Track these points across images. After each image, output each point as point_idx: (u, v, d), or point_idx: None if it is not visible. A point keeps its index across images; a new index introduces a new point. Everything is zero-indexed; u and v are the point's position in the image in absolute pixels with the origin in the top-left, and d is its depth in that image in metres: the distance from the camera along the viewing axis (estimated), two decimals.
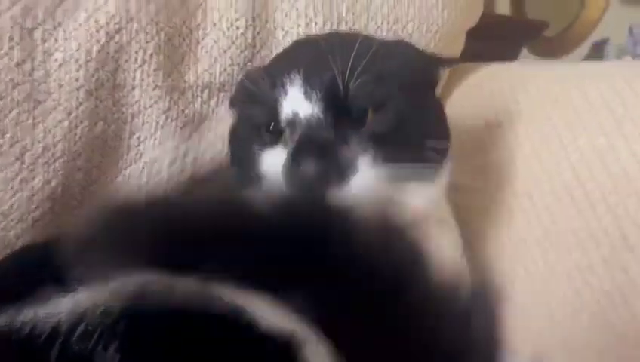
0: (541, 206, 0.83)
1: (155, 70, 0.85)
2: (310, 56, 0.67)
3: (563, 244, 0.78)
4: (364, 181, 0.62)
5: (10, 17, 0.76)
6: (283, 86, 0.65)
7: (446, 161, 0.70)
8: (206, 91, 0.90)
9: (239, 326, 0.45)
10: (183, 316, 0.46)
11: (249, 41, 0.91)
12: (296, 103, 0.64)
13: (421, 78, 0.71)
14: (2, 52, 0.76)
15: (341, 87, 0.63)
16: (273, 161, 0.65)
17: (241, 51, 0.91)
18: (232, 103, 0.82)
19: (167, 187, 0.90)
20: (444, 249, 0.74)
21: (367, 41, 0.68)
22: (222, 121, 0.91)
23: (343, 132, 0.63)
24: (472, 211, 0.85)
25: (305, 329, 0.46)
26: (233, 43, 0.90)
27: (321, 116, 0.63)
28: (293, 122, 0.65)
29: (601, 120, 0.80)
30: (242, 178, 0.70)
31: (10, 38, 0.76)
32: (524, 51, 2.11)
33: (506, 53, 1.89)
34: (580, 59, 2.23)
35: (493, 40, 1.61)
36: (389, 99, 0.65)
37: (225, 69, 0.90)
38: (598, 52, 2.35)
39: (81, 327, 0.44)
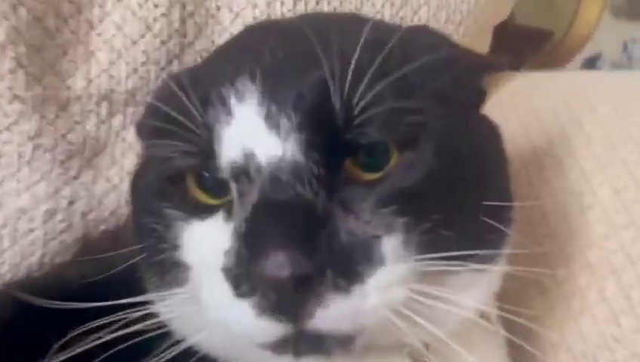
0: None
1: (11, 71, 0.54)
2: (277, 51, 0.42)
3: None
4: (391, 283, 0.38)
5: None
6: (224, 103, 0.41)
7: (509, 237, 0.45)
8: (104, 104, 0.60)
9: None
10: None
11: (176, 26, 0.61)
12: (251, 135, 0.40)
13: (466, 90, 0.46)
14: None
15: (338, 104, 0.39)
16: (206, 241, 0.41)
17: (163, 42, 0.61)
18: (141, 130, 0.52)
19: (43, 254, 0.58)
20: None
21: (379, 26, 0.44)
22: (131, 148, 0.62)
23: (342, 190, 0.39)
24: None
25: None
26: (149, 29, 0.60)
27: (300, 160, 0.39)
28: (243, 170, 0.40)
29: None
30: (153, 267, 0.45)
31: None
32: None
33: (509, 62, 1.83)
34: None
35: (494, 49, 1.45)
36: (425, 129, 0.40)
37: (135, 70, 0.61)
38: (590, 67, 2.22)
39: None
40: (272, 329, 0.37)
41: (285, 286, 0.35)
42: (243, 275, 0.37)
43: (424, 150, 0.40)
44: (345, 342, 0.38)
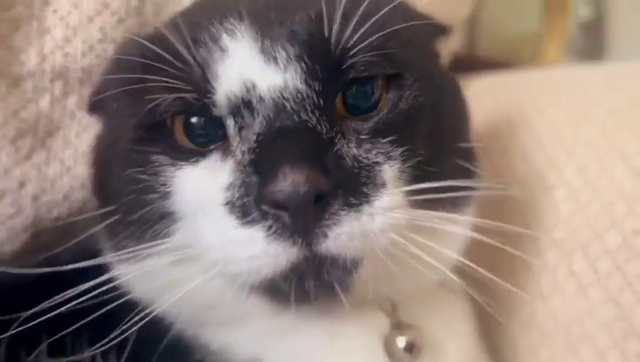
0: (608, 267, 0.53)
1: None
2: None
3: None
4: (393, 206, 0.41)
5: None
6: (215, 41, 0.43)
7: (477, 175, 0.49)
8: (58, 83, 0.59)
9: None
10: None
11: (134, 4, 0.61)
12: (249, 68, 0.42)
13: (428, 44, 0.52)
14: None
15: (333, 37, 0.42)
16: (200, 184, 0.43)
17: (120, 21, 0.60)
18: (96, 105, 0.52)
19: None
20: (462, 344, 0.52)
21: None
22: (86, 130, 0.60)
23: (340, 118, 0.43)
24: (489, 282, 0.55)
25: None
26: (106, 7, 0.59)
27: (303, 88, 0.41)
28: (243, 102, 0.41)
29: None
30: (127, 225, 0.45)
31: None
32: None
33: None
34: None
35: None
36: (409, 64, 0.45)
37: (92, 48, 0.59)
38: None
39: None
40: (284, 253, 0.38)
41: (303, 204, 0.36)
42: (251, 203, 0.38)
43: (410, 86, 0.43)
44: (348, 271, 0.40)
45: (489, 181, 0.48)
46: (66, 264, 0.43)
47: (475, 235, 0.46)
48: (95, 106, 0.52)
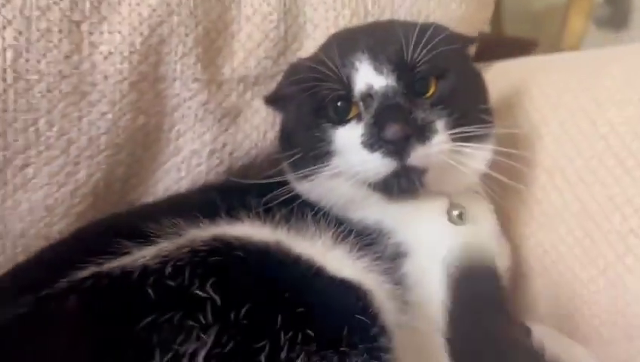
0: (576, 179, 0.85)
1: (194, 63, 0.88)
2: (370, 37, 0.75)
3: (601, 211, 0.80)
4: (443, 141, 0.69)
5: (60, 10, 0.78)
6: (353, 64, 0.72)
7: (493, 126, 0.78)
8: (241, 84, 0.93)
9: (309, 271, 0.59)
10: (261, 258, 0.59)
11: (281, 34, 0.95)
12: (369, 77, 0.71)
13: (462, 53, 0.83)
14: (52, 44, 0.78)
15: (408, 59, 0.71)
16: (348, 134, 0.72)
17: (275, 45, 0.94)
18: (274, 99, 0.85)
19: (206, 180, 0.92)
20: (489, 219, 0.81)
21: (419, 22, 0.76)
22: (256, 114, 0.94)
23: (413, 100, 0.71)
24: (503, 191, 0.87)
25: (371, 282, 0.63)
26: (266, 37, 0.94)
27: (396, 86, 0.70)
28: (367, 95, 0.71)
29: (628, 93, 0.83)
30: (307, 157, 0.75)
31: (60, 31, 0.78)
32: None
33: None
34: None
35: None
36: (449, 69, 0.74)
37: (259, 62, 0.93)
38: None
39: (170, 265, 0.53)
40: (390, 165, 0.67)
41: (398, 141, 0.66)
42: (374, 141, 0.67)
43: (450, 79, 0.74)
44: (421, 174, 0.69)
45: (499, 126, 0.78)
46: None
47: (491, 156, 0.77)
48: (273, 100, 0.85)
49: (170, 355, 0.46)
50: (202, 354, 0.47)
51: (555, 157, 0.89)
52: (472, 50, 0.93)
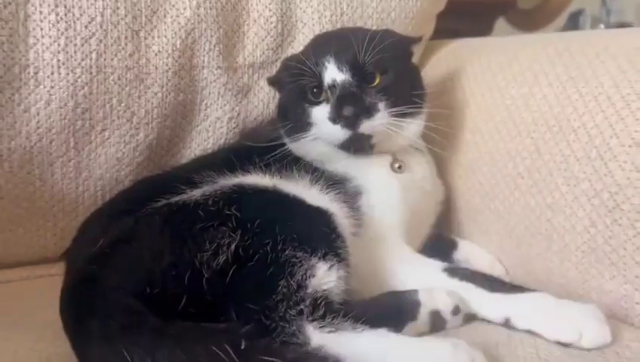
0: (488, 137, 1.20)
1: (217, 55, 1.23)
2: (335, 44, 1.03)
3: (502, 160, 1.16)
4: (383, 117, 0.98)
5: (125, 23, 1.13)
6: (323, 64, 1.01)
7: (424, 105, 1.10)
8: (251, 69, 1.28)
9: (295, 201, 0.88)
10: (264, 194, 0.89)
11: (279, 31, 1.29)
12: (334, 74, 1.00)
13: (404, 52, 1.11)
14: (120, 47, 1.14)
15: (360, 60, 0.98)
16: (320, 112, 1.00)
17: (274, 39, 1.29)
18: (274, 82, 1.16)
19: (226, 138, 1.28)
20: (423, 169, 1.14)
21: (369, 31, 1.07)
22: (261, 90, 1.30)
23: (363, 89, 0.99)
24: (439, 145, 1.22)
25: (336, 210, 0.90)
26: (268, 34, 1.28)
27: (351, 80, 0.99)
28: (332, 85, 0.99)
29: (525, 75, 1.18)
30: (295, 126, 1.04)
31: (125, 38, 1.14)
32: (505, 25, 2.33)
33: (480, 28, 2.12)
34: (557, 29, 2.46)
35: (467, 17, 1.90)
36: (390, 67, 1.02)
37: (263, 52, 1.29)
38: (573, 22, 2.60)
39: (211, 199, 0.86)
40: (347, 133, 0.96)
41: (352, 117, 0.95)
42: (336, 117, 0.96)
43: (390, 74, 1.01)
44: (369, 138, 0.98)
45: (429, 106, 1.10)
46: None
47: (422, 126, 1.10)
48: (274, 82, 1.16)
49: (215, 245, 0.81)
50: (233, 246, 0.80)
51: (475, 121, 1.23)
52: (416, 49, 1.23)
